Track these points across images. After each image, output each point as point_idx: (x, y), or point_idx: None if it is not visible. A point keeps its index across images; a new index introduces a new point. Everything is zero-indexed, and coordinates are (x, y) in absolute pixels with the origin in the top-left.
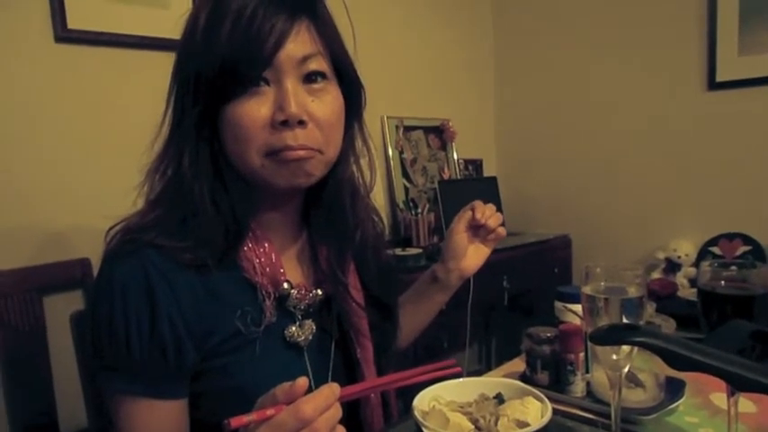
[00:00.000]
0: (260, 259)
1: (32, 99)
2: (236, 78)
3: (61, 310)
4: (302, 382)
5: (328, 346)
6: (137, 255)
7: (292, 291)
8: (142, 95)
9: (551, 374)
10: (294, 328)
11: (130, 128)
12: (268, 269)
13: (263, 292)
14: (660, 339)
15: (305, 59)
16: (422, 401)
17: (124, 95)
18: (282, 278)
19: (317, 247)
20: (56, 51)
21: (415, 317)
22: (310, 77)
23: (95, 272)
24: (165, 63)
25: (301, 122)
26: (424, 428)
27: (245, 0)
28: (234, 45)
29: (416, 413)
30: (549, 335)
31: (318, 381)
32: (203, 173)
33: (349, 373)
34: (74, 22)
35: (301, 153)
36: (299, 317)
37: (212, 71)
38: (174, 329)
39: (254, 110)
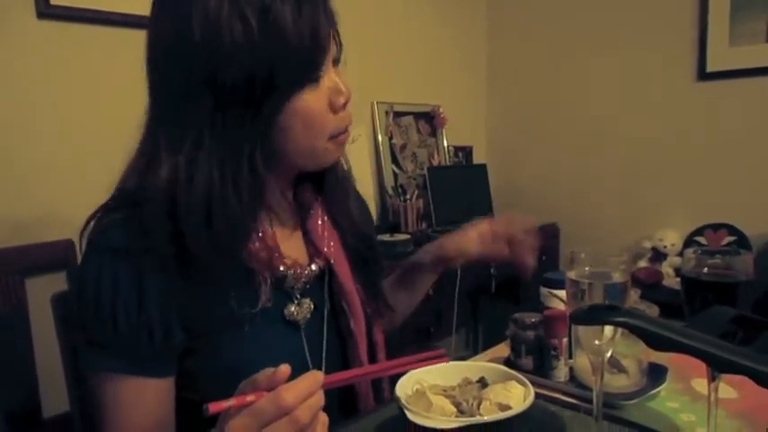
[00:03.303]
0: (255, 243)
1: (14, 76)
2: (309, 69)
3: (44, 291)
4: (284, 369)
5: (322, 321)
6: (127, 231)
7: (289, 272)
8: (127, 74)
9: (535, 359)
10: (293, 308)
11: (115, 107)
12: (264, 254)
13: (260, 278)
14: (640, 319)
15: (332, 39)
16: (405, 385)
17: (108, 74)
18: (279, 263)
19: (306, 219)
20: (38, 28)
21: (403, 298)
22: (336, 59)
23: (79, 253)
24: None
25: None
26: (407, 412)
27: None
28: (301, 36)
29: (400, 396)
30: (533, 320)
31: (314, 357)
32: (242, 170)
33: (342, 347)
34: None
35: (349, 132)
36: (297, 296)
37: (279, 66)
38: (162, 308)
39: (319, 97)
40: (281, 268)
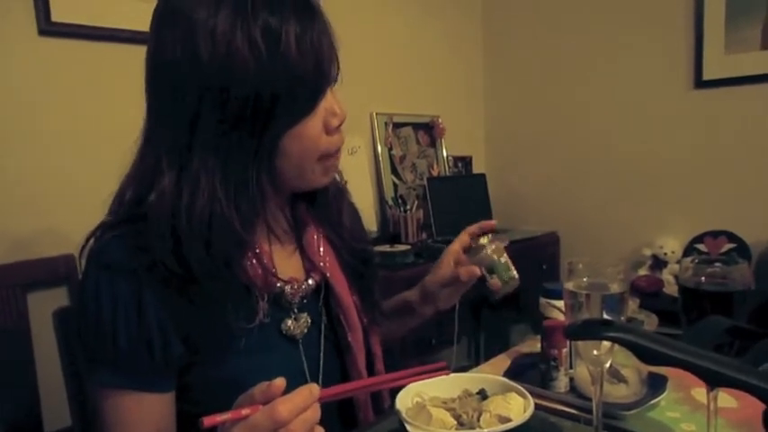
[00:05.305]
0: (252, 261)
1: (15, 93)
2: (313, 95)
3: (45, 306)
4: (279, 382)
5: (320, 335)
6: (126, 248)
7: (286, 287)
8: (128, 90)
9: (501, 278)
10: (290, 322)
11: (116, 124)
12: (261, 272)
13: (257, 293)
14: (631, 334)
15: (334, 63)
16: (405, 397)
17: (109, 90)
18: (275, 279)
19: (302, 234)
20: (39, 45)
21: (396, 327)
22: (334, 80)
23: (80, 269)
24: None
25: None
26: (407, 424)
27: (279, 15)
28: (305, 61)
29: (400, 409)
30: (487, 239)
31: (312, 370)
32: (245, 191)
33: (340, 359)
34: (58, 15)
35: (338, 157)
36: (295, 310)
37: (285, 89)
38: (161, 324)
39: (317, 121)
40: (278, 284)
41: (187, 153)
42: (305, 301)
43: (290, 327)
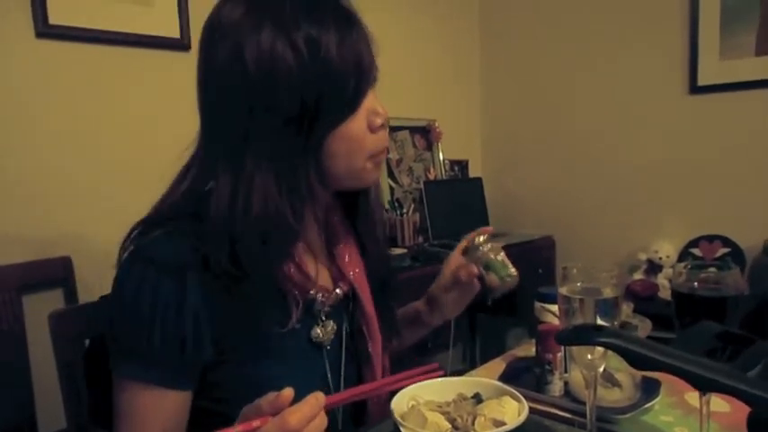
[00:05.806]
0: (290, 267)
1: (13, 95)
2: (354, 97)
3: (41, 308)
4: (287, 392)
5: (341, 343)
6: (173, 246)
7: (318, 295)
8: (124, 93)
9: (498, 275)
10: (319, 330)
11: (114, 125)
12: (298, 277)
13: (292, 300)
14: (622, 340)
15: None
16: (400, 401)
17: (107, 92)
18: (311, 287)
19: (334, 244)
20: (37, 47)
21: (407, 335)
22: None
23: (77, 271)
24: (148, 60)
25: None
26: (402, 428)
27: (318, 26)
28: (346, 65)
29: (395, 413)
30: (482, 238)
31: (334, 378)
32: (296, 189)
33: (358, 368)
34: (55, 18)
35: (386, 155)
36: (323, 318)
37: (328, 93)
38: (197, 324)
39: (359, 119)
40: (312, 291)
41: (241, 158)
42: (332, 309)
43: (318, 334)
